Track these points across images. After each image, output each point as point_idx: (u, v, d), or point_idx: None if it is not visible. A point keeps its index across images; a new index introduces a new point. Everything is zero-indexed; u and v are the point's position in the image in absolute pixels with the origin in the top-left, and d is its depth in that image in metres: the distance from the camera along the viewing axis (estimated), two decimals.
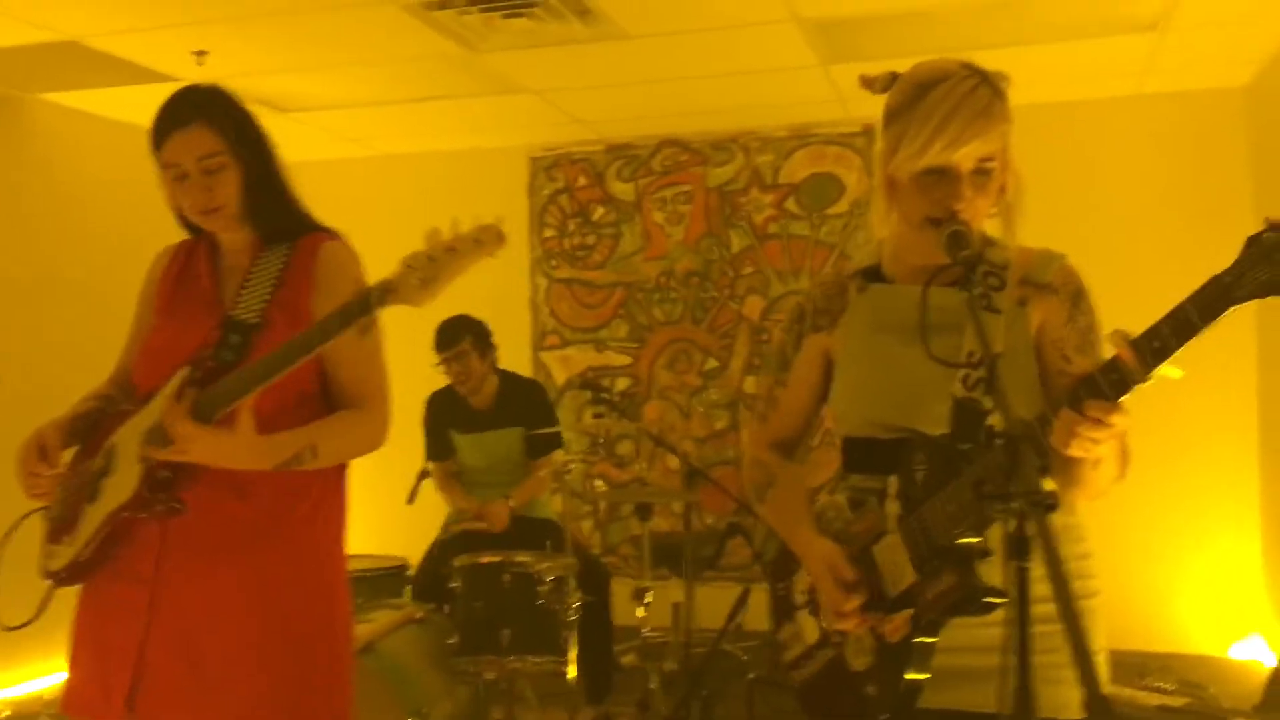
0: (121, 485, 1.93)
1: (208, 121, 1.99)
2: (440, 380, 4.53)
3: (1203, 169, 5.26)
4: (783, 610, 1.92)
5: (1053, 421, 1.45)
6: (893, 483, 1.69)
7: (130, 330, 2.18)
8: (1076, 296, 1.77)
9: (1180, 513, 5.21)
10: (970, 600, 1.55)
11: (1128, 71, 4.98)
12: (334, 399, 2.04)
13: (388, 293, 1.71)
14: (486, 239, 1.70)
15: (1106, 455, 1.53)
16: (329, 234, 2.10)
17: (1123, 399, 1.40)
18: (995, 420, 1.64)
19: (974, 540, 1.57)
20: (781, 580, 1.93)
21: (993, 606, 1.54)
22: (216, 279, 2.06)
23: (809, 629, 1.85)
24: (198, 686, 1.91)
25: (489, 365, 4.44)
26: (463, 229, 1.72)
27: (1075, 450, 1.44)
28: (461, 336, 4.33)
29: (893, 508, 1.68)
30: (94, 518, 1.95)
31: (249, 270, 2.03)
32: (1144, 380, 1.38)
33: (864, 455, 1.82)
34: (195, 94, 2.04)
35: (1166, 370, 1.37)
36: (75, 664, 2.02)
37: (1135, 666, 4.20)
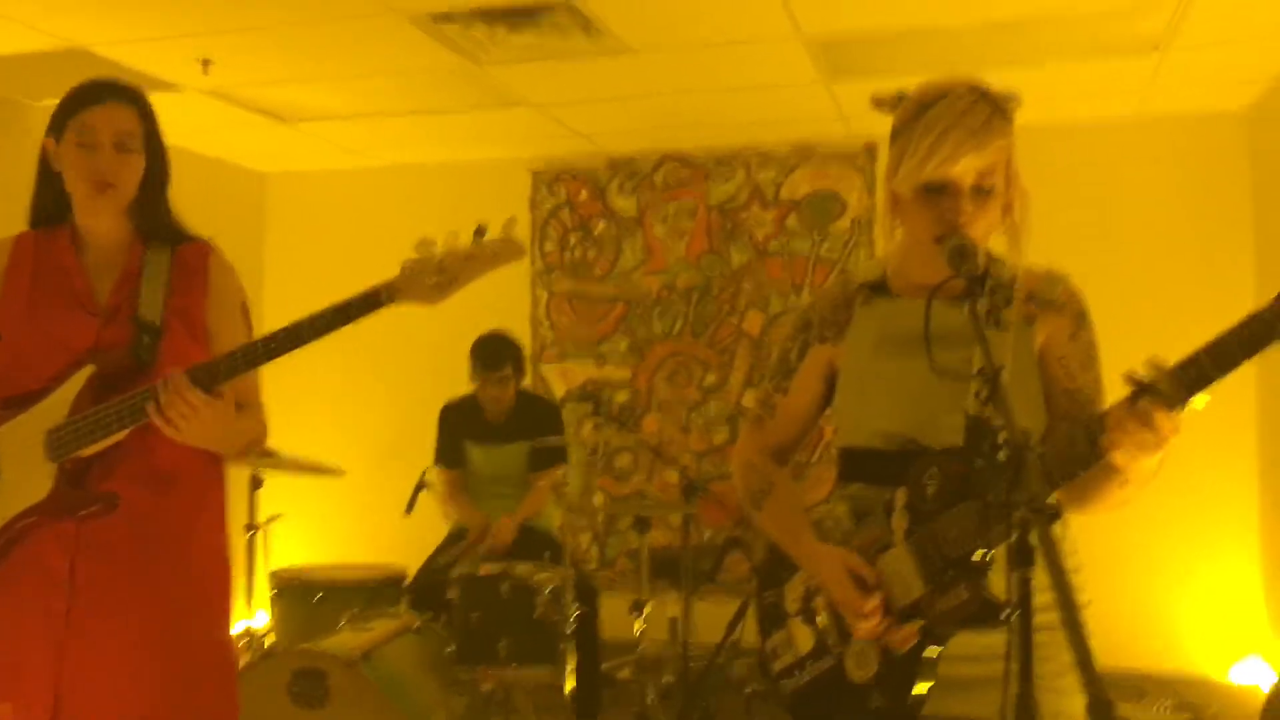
0: (25, 488, 1.89)
1: (137, 108, 2.02)
2: (457, 387, 4.58)
3: (1204, 191, 5.26)
4: (771, 619, 1.91)
5: (1102, 428, 1.45)
6: (901, 495, 1.69)
7: None
8: (1080, 316, 1.80)
9: (1180, 531, 5.20)
10: (985, 614, 1.56)
11: (1129, 92, 4.99)
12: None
13: (396, 291, 1.77)
14: (504, 252, 1.77)
15: (1141, 474, 1.53)
16: (208, 243, 2.13)
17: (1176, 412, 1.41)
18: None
19: (987, 555, 1.58)
20: (771, 588, 1.92)
21: (1006, 619, 1.52)
22: (84, 275, 2.02)
23: (802, 638, 1.84)
24: (115, 690, 1.89)
25: (515, 389, 4.49)
26: (484, 239, 1.77)
27: (1121, 457, 1.44)
28: (506, 362, 4.37)
29: (900, 520, 1.68)
30: None
31: (132, 266, 2.02)
32: (1178, 407, 1.40)
33: (865, 466, 1.83)
34: (128, 85, 2.06)
35: (1196, 401, 1.39)
36: None
37: (1134, 686, 4.20)
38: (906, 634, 1.65)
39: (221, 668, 2.05)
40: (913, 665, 1.65)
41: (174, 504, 1.98)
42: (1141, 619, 5.09)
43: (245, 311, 2.11)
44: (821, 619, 1.80)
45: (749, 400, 5.85)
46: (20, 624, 1.92)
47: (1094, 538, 1.78)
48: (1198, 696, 4.38)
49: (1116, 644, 4.91)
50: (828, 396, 1.93)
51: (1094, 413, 1.69)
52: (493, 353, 4.39)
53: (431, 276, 1.75)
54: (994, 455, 1.55)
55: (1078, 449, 1.48)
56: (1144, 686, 4.21)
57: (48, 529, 1.90)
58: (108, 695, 1.89)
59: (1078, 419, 1.54)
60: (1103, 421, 1.46)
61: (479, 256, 1.75)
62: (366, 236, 5.92)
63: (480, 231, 1.77)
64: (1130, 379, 1.44)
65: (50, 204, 2.07)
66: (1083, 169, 5.38)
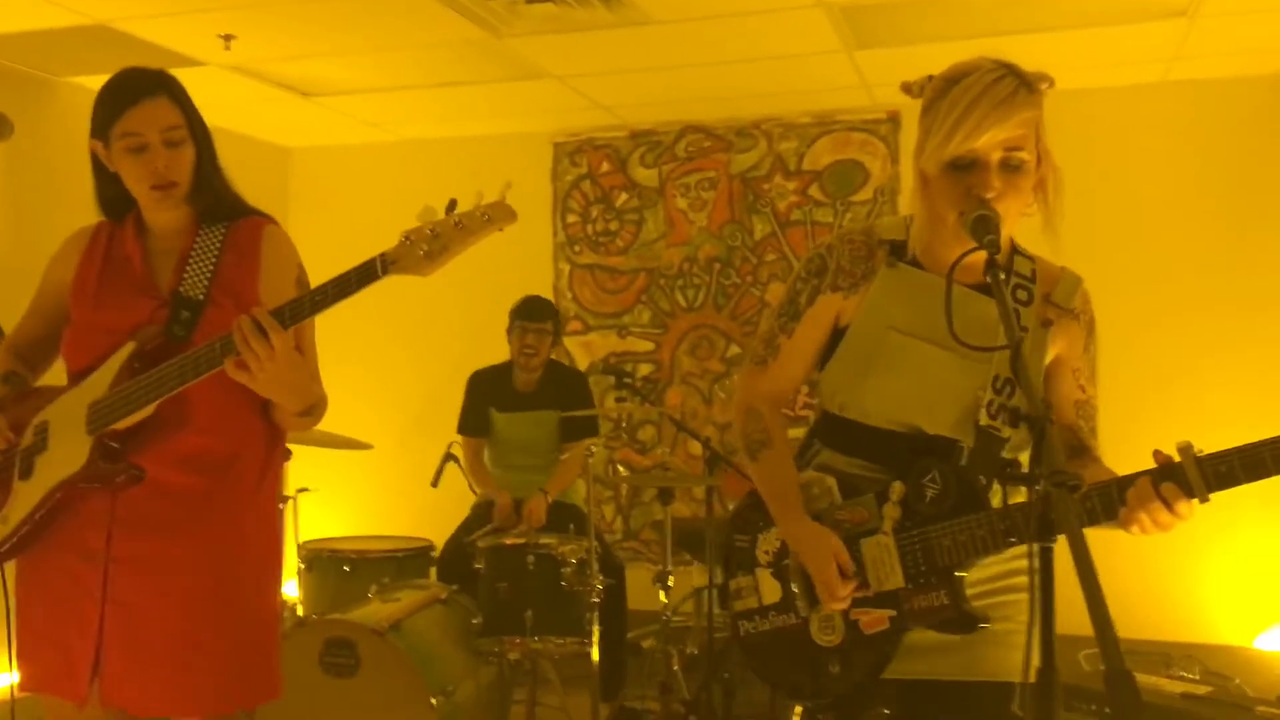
0: (66, 459, 1.92)
1: (171, 96, 2.00)
2: (482, 361, 4.65)
3: (1232, 158, 5.19)
4: (739, 561, 1.97)
5: (1122, 500, 1.53)
6: (898, 488, 1.74)
7: (31, 305, 2.16)
8: (1092, 325, 1.83)
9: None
10: (962, 623, 1.69)
11: (1156, 58, 4.93)
12: None
13: (391, 263, 1.73)
14: (496, 216, 1.71)
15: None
16: (267, 217, 2.13)
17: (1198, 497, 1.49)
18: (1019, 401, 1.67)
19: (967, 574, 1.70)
20: (745, 534, 1.97)
21: (977, 629, 1.69)
22: (148, 262, 2.06)
23: (768, 589, 1.91)
24: (153, 660, 1.92)
25: (549, 352, 4.58)
26: (471, 206, 1.73)
27: (1134, 530, 1.53)
28: (548, 317, 4.55)
29: (892, 511, 1.74)
30: (30, 493, 1.96)
31: (189, 249, 2.03)
32: (1203, 500, 1.48)
33: (848, 436, 1.85)
34: (153, 72, 2.03)
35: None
36: (29, 642, 2.01)
37: (1160, 656, 4.19)
38: (877, 618, 1.74)
39: (266, 643, 2.06)
40: (876, 646, 1.76)
41: (208, 480, 1.98)
42: (1166, 590, 5.08)
43: (302, 284, 2.08)
44: (794, 581, 1.86)
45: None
46: (61, 597, 1.97)
47: None
48: (1223, 665, 4.37)
49: (1143, 615, 4.92)
50: (828, 346, 1.91)
51: (1087, 440, 1.79)
52: (536, 306, 4.55)
53: (424, 245, 1.71)
54: (1000, 459, 1.63)
55: (1090, 511, 1.55)
56: (1171, 656, 4.21)
57: (85, 504, 1.93)
58: (148, 665, 1.93)
59: (1100, 481, 1.59)
60: (1123, 494, 1.52)
61: (469, 224, 1.70)
62: (389, 210, 5.87)
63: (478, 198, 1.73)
64: (1159, 459, 1.51)
65: (114, 199, 2.09)
66: (1110, 135, 5.32)
